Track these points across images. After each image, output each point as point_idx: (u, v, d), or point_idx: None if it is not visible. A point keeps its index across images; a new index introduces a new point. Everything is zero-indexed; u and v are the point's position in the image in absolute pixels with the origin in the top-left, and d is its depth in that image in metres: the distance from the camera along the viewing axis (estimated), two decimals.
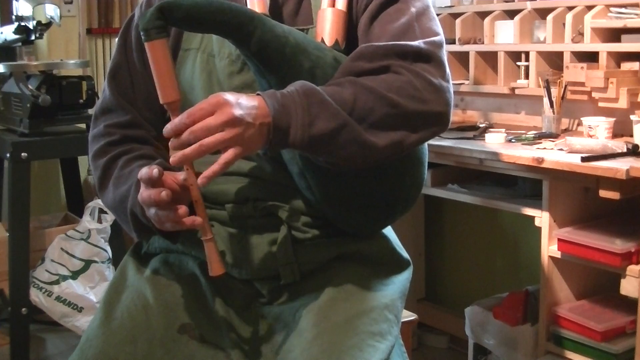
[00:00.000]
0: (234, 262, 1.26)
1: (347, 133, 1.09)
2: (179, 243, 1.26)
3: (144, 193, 1.11)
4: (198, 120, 1.03)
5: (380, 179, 1.24)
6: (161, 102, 1.11)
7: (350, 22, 1.26)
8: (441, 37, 1.21)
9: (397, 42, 1.15)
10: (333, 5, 1.25)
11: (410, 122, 1.13)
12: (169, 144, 1.07)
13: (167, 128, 1.06)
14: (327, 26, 1.24)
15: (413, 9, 1.22)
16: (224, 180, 1.25)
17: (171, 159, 1.06)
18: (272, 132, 1.06)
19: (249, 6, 1.24)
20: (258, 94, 1.08)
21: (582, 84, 2.16)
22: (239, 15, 1.10)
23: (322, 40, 1.23)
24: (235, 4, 1.13)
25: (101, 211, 2.78)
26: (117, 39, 1.39)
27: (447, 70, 1.18)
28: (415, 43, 1.15)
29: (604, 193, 1.85)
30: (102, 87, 1.39)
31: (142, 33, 1.08)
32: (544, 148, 2.02)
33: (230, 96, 1.05)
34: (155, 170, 1.09)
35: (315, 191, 1.23)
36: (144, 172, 1.10)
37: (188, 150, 1.03)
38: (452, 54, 2.63)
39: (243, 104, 1.04)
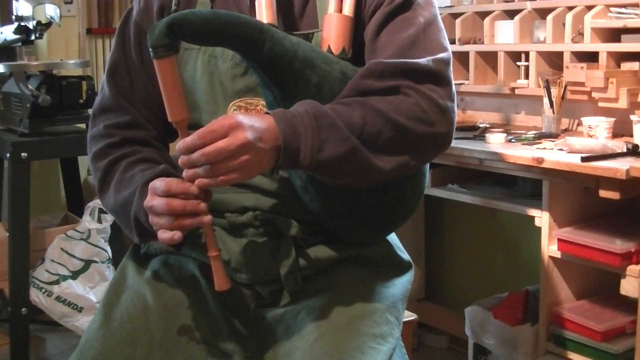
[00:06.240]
0: (235, 265, 1.25)
1: (355, 158, 1.09)
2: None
3: (159, 204, 1.10)
4: (210, 142, 1.03)
5: (383, 193, 1.24)
6: (169, 119, 1.11)
7: (357, 27, 1.25)
8: (448, 53, 1.21)
9: (406, 61, 1.15)
10: (340, 10, 1.24)
11: (416, 145, 1.14)
12: (179, 160, 1.07)
13: (179, 146, 1.06)
14: (333, 33, 1.22)
15: (421, 19, 1.21)
16: (224, 190, 1.25)
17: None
18: (282, 155, 1.06)
19: (257, 16, 1.22)
20: (267, 113, 1.08)
21: (582, 84, 2.16)
22: (248, 28, 1.10)
23: (329, 48, 1.22)
24: (243, 16, 1.13)
25: (101, 211, 2.77)
26: (115, 36, 1.38)
27: (453, 89, 1.19)
28: (424, 61, 1.15)
29: (604, 193, 1.85)
30: (101, 84, 1.38)
31: (150, 50, 1.08)
32: (544, 148, 2.02)
33: (243, 118, 1.05)
34: (177, 236, 1.09)
35: (318, 204, 1.23)
36: (159, 202, 1.10)
37: (201, 171, 1.04)
38: (452, 54, 2.60)
39: (256, 126, 1.04)
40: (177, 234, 1.10)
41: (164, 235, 1.11)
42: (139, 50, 1.32)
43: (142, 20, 1.32)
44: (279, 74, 1.13)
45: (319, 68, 1.15)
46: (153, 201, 1.11)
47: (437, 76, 1.16)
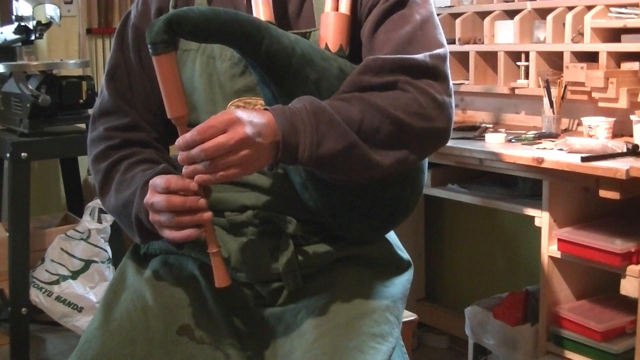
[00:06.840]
0: (235, 265, 1.25)
1: (354, 153, 1.09)
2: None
3: (161, 199, 1.10)
4: (209, 138, 1.03)
5: (382, 189, 1.24)
6: (168, 116, 1.11)
7: (354, 24, 1.25)
8: (445, 49, 1.21)
9: (404, 56, 1.15)
10: (336, 8, 1.24)
11: (414, 140, 1.14)
12: (178, 157, 1.07)
13: (178, 142, 1.06)
14: (330, 31, 1.23)
15: (417, 16, 1.21)
16: (223, 189, 1.25)
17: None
18: (281, 151, 1.07)
19: (254, 14, 1.23)
20: (266, 109, 1.08)
21: (582, 84, 2.16)
22: (246, 25, 1.10)
23: (326, 46, 1.22)
24: (242, 13, 1.13)
25: (101, 211, 2.77)
26: (114, 39, 1.39)
27: (451, 84, 1.19)
28: (421, 57, 1.16)
29: (604, 193, 1.85)
30: (100, 87, 1.38)
31: (149, 47, 1.08)
32: (544, 148, 2.02)
33: (242, 114, 1.05)
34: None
35: (318, 201, 1.23)
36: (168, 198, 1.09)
37: (200, 167, 1.04)
38: (452, 54, 2.62)
39: (255, 121, 1.05)
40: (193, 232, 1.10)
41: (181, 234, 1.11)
42: (137, 53, 1.32)
43: (140, 23, 1.32)
44: (277, 71, 1.13)
45: (317, 65, 1.15)
46: (153, 198, 1.11)
47: (434, 71, 1.16)
